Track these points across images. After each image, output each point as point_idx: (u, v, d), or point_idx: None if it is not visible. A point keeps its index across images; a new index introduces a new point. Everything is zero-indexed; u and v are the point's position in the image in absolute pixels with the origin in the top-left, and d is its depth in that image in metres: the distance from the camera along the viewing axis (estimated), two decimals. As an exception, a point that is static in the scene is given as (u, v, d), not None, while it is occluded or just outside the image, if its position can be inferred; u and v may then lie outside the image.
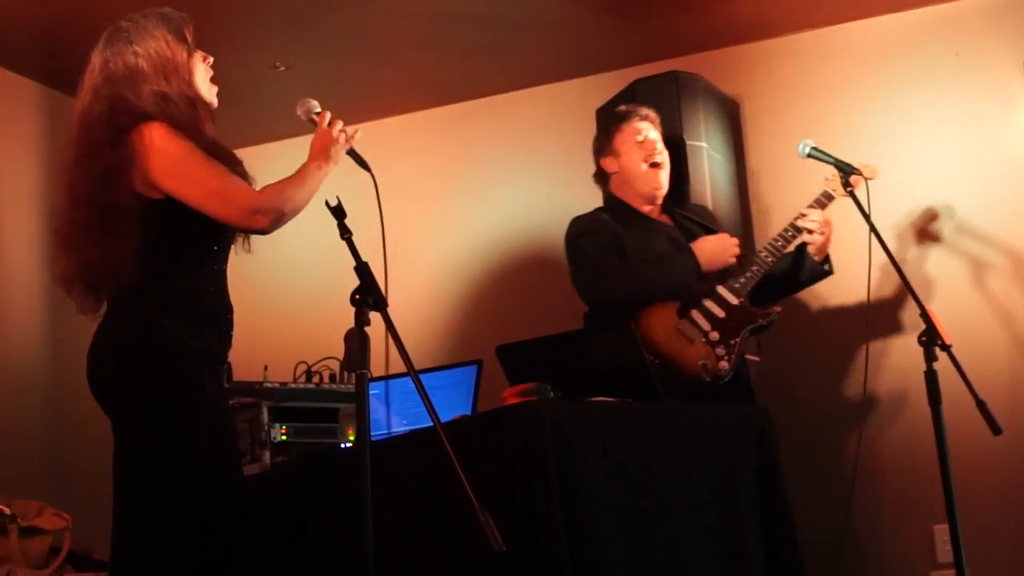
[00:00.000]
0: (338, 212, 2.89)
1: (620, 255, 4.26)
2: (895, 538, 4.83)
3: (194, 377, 3.06)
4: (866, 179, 4.18)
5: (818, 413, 4.85)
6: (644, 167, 4.37)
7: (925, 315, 3.52)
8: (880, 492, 4.77)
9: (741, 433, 3.47)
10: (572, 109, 5.62)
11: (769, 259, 4.17)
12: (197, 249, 3.12)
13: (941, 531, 4.66)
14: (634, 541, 3.01)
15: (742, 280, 4.14)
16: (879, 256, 4.00)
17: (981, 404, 3.39)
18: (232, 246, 3.24)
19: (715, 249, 4.21)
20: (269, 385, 4.04)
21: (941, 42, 5.16)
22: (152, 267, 3.06)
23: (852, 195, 3.83)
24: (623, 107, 4.52)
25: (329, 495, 3.18)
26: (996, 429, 3.39)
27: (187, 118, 3.12)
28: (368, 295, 2.72)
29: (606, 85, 5.37)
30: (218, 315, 3.17)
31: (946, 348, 3.47)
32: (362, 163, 3.25)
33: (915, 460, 4.62)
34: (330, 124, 3.23)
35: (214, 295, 3.17)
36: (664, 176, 4.39)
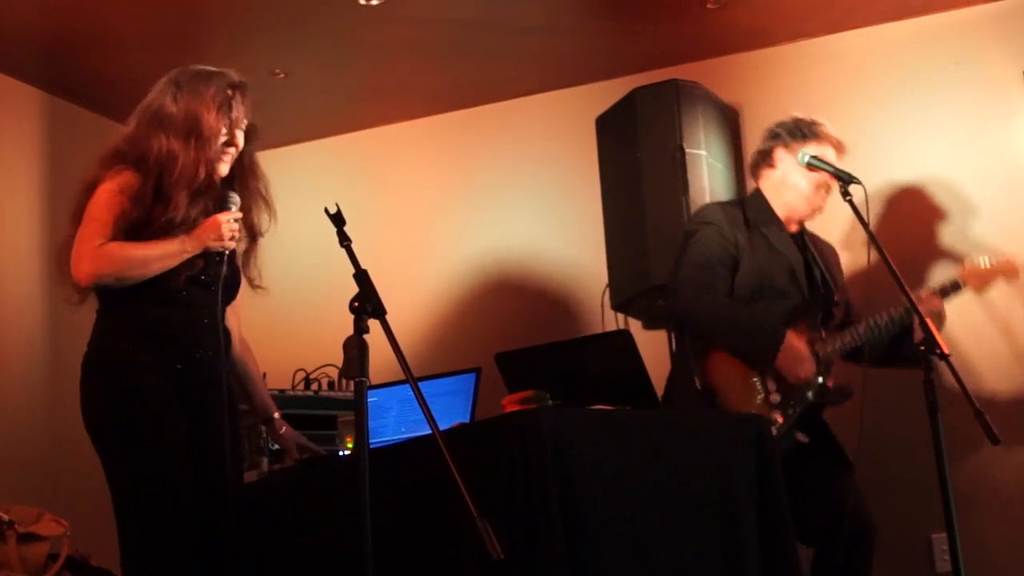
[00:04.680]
0: (337, 219, 2.89)
1: (733, 267, 4.05)
2: (893, 546, 4.82)
3: (148, 389, 3.20)
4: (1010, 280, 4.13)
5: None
6: (815, 190, 4.15)
7: (923, 324, 3.51)
8: (878, 500, 4.75)
9: (739, 441, 3.46)
10: (572, 117, 5.63)
11: (865, 336, 4.02)
12: (153, 281, 3.24)
13: (939, 540, 4.66)
14: (633, 549, 3.00)
15: (828, 350, 4.02)
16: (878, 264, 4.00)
17: (979, 414, 3.38)
18: (206, 276, 3.34)
19: (793, 361, 3.93)
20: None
21: (941, 51, 5.17)
22: (115, 296, 3.26)
23: (851, 204, 3.82)
24: (827, 127, 4.21)
25: (327, 503, 3.18)
26: (994, 439, 3.37)
27: (173, 179, 3.25)
28: (367, 302, 2.72)
29: (606, 93, 5.37)
30: (186, 336, 3.30)
31: (944, 357, 3.46)
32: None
33: (913, 469, 4.60)
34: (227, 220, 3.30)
35: (180, 317, 3.29)
36: (824, 203, 4.21)
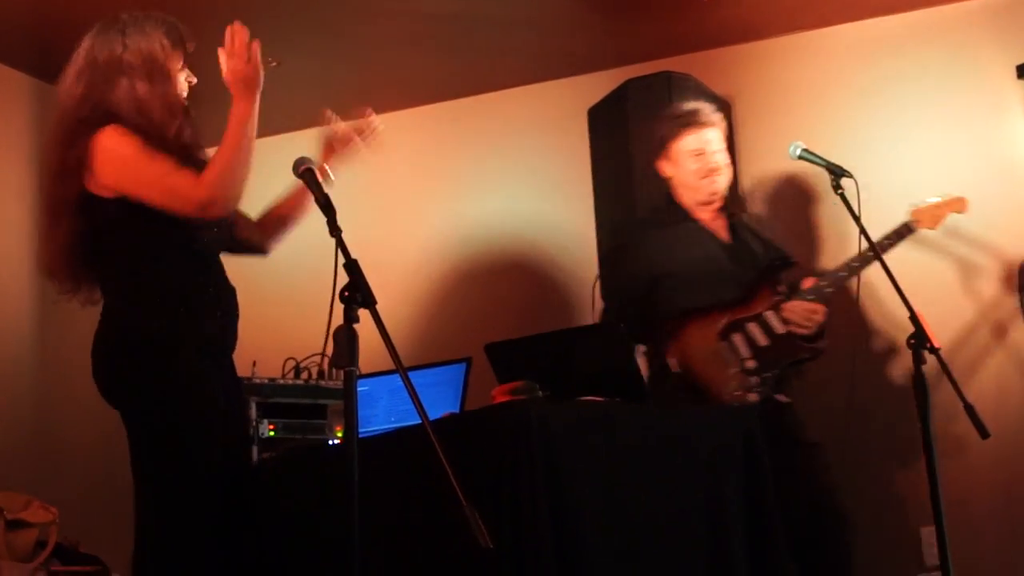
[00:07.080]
0: (328, 209, 2.88)
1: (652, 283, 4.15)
2: (882, 540, 4.84)
3: (192, 367, 3.09)
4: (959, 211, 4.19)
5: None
6: (697, 177, 4.27)
7: (914, 318, 3.52)
8: (867, 494, 4.77)
9: (728, 434, 3.47)
10: (564, 108, 5.62)
11: (828, 291, 4.08)
12: (171, 240, 3.12)
13: (928, 533, 4.67)
14: (620, 540, 3.00)
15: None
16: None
17: (969, 407, 3.39)
18: (220, 229, 3.25)
19: None
20: (257, 381, 4.02)
21: (933, 45, 5.17)
22: (132, 262, 3.12)
23: (842, 197, 3.82)
24: (686, 109, 4.38)
25: (317, 492, 3.18)
26: (984, 432, 3.39)
27: (155, 121, 3.14)
28: (357, 292, 2.71)
29: (598, 85, 5.37)
30: (216, 302, 3.20)
31: (934, 351, 3.47)
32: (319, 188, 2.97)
33: (902, 462, 4.63)
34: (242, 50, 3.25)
35: (208, 282, 3.20)
36: (721, 180, 4.30)
